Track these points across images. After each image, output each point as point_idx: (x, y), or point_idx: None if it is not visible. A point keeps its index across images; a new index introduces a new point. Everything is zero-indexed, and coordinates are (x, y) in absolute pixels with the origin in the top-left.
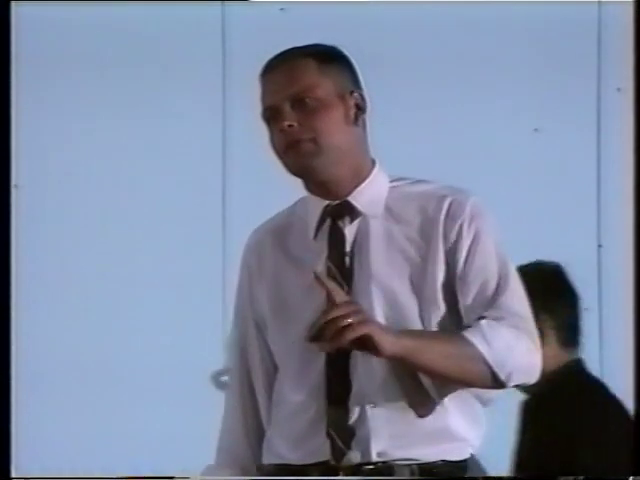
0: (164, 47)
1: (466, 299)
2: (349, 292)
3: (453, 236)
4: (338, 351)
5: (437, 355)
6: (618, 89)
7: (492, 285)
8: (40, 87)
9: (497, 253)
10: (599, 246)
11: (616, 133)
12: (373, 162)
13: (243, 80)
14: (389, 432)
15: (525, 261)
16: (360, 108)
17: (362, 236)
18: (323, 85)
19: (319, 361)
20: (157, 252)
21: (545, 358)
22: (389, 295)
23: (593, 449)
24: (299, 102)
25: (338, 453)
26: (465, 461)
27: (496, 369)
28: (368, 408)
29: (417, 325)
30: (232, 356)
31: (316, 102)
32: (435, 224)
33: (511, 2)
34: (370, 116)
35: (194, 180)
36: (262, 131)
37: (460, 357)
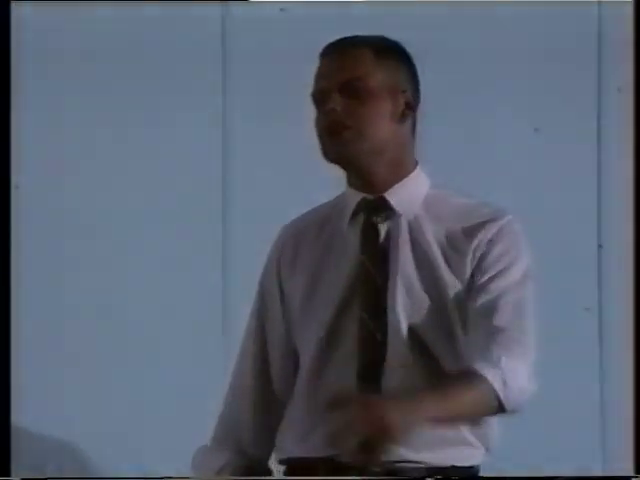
0: (164, 47)
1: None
2: (382, 287)
3: (483, 257)
4: (370, 367)
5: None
6: (618, 89)
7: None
8: (40, 87)
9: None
10: (599, 246)
11: (616, 133)
12: (416, 163)
13: (243, 80)
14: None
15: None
16: (410, 107)
17: (394, 234)
18: (375, 76)
19: (348, 371)
20: (157, 252)
21: None
22: (414, 295)
23: None
24: (348, 88)
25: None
26: (474, 467)
27: (507, 406)
28: None
29: (434, 325)
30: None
31: (365, 91)
32: (469, 242)
33: (511, 2)
34: None
35: (195, 181)
36: (262, 132)
37: (478, 402)
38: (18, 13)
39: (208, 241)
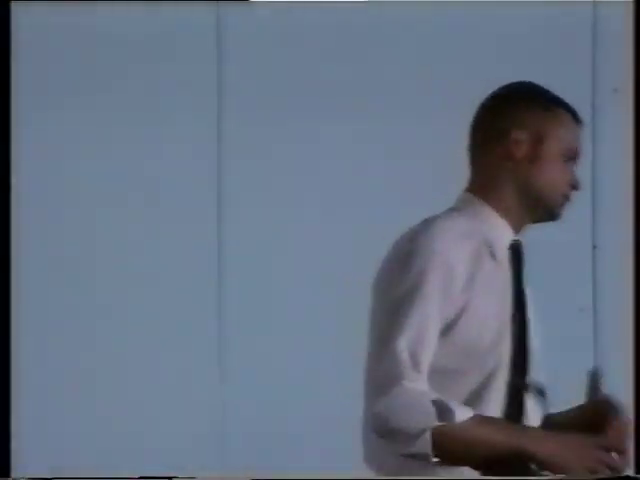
0: (161, 48)
1: None
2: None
3: None
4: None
5: None
6: (614, 90)
7: None
8: (40, 87)
9: None
10: (594, 247)
11: (612, 134)
12: None
13: (239, 81)
14: None
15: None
16: None
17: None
18: None
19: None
20: (156, 252)
21: None
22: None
23: None
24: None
25: None
26: None
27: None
28: None
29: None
30: None
31: None
32: None
33: (507, 2)
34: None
35: (191, 180)
36: (258, 132)
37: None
38: (18, 13)
39: (205, 241)
